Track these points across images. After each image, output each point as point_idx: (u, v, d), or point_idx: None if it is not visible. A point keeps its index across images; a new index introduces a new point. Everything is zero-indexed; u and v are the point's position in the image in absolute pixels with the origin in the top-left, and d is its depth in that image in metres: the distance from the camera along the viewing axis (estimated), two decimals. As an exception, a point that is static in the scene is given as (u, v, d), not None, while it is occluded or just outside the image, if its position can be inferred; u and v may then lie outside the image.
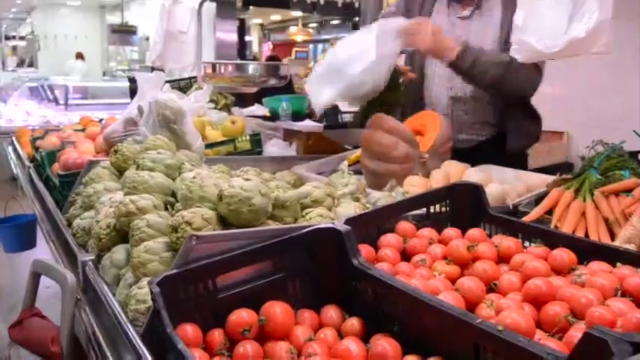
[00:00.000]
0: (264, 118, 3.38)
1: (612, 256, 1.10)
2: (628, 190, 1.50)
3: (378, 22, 2.08)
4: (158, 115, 1.94)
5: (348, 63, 1.98)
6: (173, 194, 1.43)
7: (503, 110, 2.28)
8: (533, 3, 1.92)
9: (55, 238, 1.83)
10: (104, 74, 14.22)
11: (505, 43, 2.14)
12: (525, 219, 1.53)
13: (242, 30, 9.04)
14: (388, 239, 1.25)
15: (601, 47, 1.85)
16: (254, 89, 3.63)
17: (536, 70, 2.15)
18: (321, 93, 1.96)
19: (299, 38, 14.02)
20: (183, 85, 3.65)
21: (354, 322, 1.04)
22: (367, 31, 2.07)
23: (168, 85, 2.16)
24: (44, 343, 1.43)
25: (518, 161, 2.24)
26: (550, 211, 1.56)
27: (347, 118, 4.16)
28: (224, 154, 2.35)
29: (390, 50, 2.00)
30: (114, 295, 1.26)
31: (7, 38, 16.85)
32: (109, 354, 1.15)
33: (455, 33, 2.24)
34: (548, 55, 1.93)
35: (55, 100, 6.44)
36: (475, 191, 1.36)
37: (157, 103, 1.95)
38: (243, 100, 3.71)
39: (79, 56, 14.17)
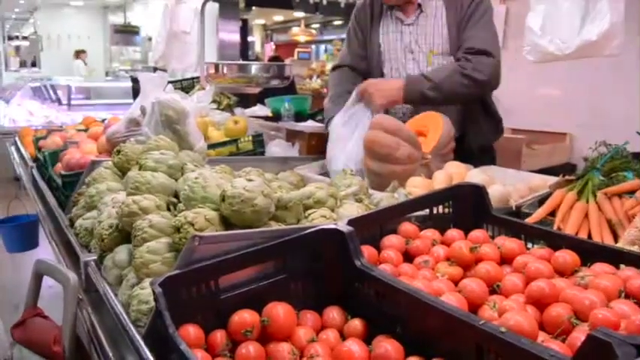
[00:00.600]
0: (266, 118, 3.38)
1: (616, 257, 1.09)
2: (631, 192, 1.50)
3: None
4: (161, 115, 1.94)
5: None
6: (176, 195, 1.43)
7: (463, 112, 2.32)
8: (547, 5, 1.91)
9: (57, 239, 1.83)
10: (107, 74, 14.24)
11: (457, 35, 2.22)
12: (528, 220, 1.53)
13: (244, 30, 9.05)
14: (391, 240, 1.25)
15: (613, 50, 1.84)
16: (257, 90, 3.62)
17: (488, 57, 2.16)
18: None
19: (301, 39, 14.05)
20: (185, 86, 3.66)
21: (356, 324, 1.03)
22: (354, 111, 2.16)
23: (170, 85, 2.16)
24: (46, 344, 1.43)
25: (484, 156, 2.29)
26: (553, 213, 1.56)
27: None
28: (226, 154, 2.35)
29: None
30: (116, 295, 1.26)
31: (10, 38, 16.88)
32: (111, 354, 1.15)
33: (404, 40, 2.33)
34: (561, 57, 1.93)
35: (58, 101, 6.46)
36: (478, 192, 1.36)
37: (159, 103, 1.95)
38: (245, 101, 3.71)
39: (79, 55, 14.16)
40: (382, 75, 2.41)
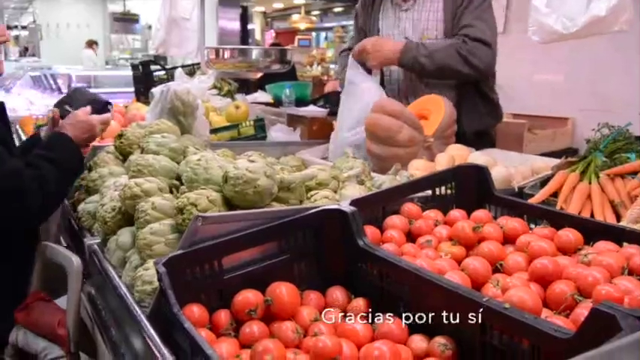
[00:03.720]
0: (267, 104, 3.37)
1: (618, 235, 1.09)
2: (634, 173, 1.50)
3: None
4: (169, 102, 1.93)
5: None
6: (178, 177, 1.43)
7: (458, 95, 2.30)
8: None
9: (60, 223, 1.83)
10: (107, 63, 14.18)
11: (451, 22, 2.25)
12: (531, 201, 1.52)
13: (244, 17, 8.98)
14: (394, 221, 1.25)
15: (623, 25, 1.81)
16: (257, 75, 3.60)
17: (485, 46, 2.18)
18: None
19: (302, 26, 13.95)
20: (186, 72, 3.63)
21: (359, 303, 1.04)
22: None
23: (180, 69, 2.14)
24: (51, 326, 1.43)
25: (481, 141, 2.27)
26: (555, 194, 1.56)
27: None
28: (227, 139, 2.34)
29: None
30: (120, 277, 1.26)
31: (10, 28, 16.76)
32: (115, 335, 1.16)
33: (400, 25, 2.39)
34: (568, 36, 1.90)
35: (59, 89, 6.43)
36: (480, 173, 1.36)
37: (171, 91, 1.93)
38: (246, 87, 3.69)
39: (91, 45, 14.05)
40: None
